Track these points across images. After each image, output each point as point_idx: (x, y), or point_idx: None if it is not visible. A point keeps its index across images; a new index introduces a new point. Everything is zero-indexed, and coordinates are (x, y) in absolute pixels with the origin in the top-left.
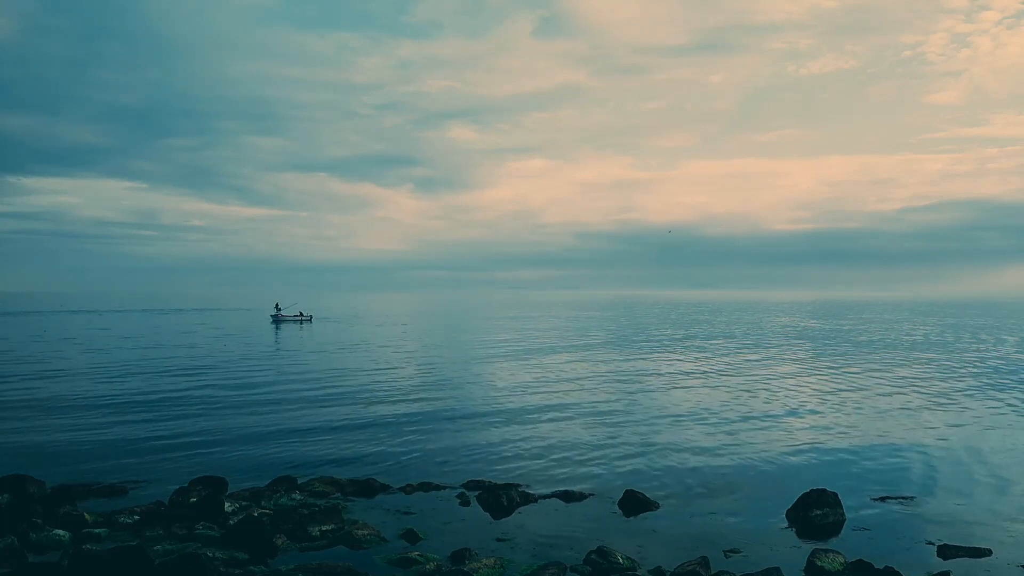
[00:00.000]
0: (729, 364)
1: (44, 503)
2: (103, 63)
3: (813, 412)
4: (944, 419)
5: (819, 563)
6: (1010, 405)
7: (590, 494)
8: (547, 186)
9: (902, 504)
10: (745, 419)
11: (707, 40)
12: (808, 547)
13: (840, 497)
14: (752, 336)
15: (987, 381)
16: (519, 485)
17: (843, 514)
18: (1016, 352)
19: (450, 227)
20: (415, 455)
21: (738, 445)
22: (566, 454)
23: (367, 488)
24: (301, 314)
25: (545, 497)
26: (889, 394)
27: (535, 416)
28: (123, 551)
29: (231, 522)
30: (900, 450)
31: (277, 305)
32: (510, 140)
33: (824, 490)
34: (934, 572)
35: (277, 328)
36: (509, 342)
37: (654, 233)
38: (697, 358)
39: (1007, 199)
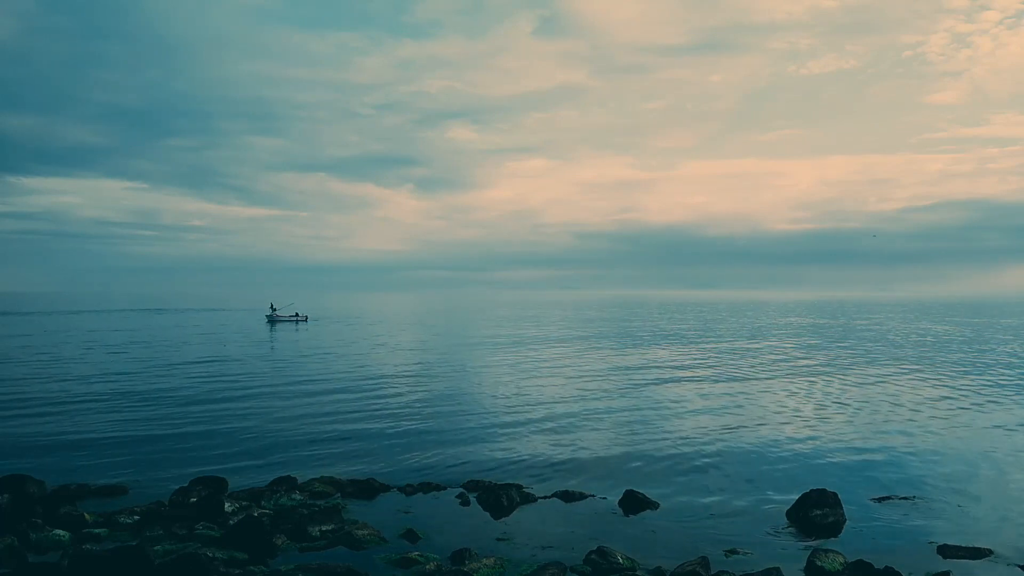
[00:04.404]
0: (729, 364)
1: (44, 503)
2: (103, 63)
3: (813, 412)
4: (944, 419)
5: (819, 563)
6: (1010, 405)
7: (590, 494)
8: (547, 186)
9: (902, 504)
10: (745, 419)
11: (707, 40)
12: (808, 547)
13: (840, 497)
14: (751, 336)
15: (987, 381)
16: (519, 485)
17: (843, 514)
18: (1018, 353)
19: (450, 227)
20: (415, 455)
21: (738, 445)
22: (566, 454)
23: (367, 488)
24: (297, 314)
25: (545, 497)
26: (889, 394)
27: (535, 416)
28: (123, 551)
29: (231, 522)
30: (900, 450)
31: (272, 305)
32: (510, 140)
33: (824, 490)
34: (934, 572)
35: (272, 328)
36: (508, 343)
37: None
38: (696, 358)
39: (1007, 199)
